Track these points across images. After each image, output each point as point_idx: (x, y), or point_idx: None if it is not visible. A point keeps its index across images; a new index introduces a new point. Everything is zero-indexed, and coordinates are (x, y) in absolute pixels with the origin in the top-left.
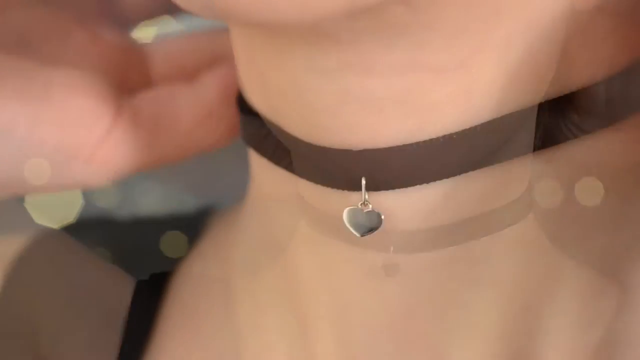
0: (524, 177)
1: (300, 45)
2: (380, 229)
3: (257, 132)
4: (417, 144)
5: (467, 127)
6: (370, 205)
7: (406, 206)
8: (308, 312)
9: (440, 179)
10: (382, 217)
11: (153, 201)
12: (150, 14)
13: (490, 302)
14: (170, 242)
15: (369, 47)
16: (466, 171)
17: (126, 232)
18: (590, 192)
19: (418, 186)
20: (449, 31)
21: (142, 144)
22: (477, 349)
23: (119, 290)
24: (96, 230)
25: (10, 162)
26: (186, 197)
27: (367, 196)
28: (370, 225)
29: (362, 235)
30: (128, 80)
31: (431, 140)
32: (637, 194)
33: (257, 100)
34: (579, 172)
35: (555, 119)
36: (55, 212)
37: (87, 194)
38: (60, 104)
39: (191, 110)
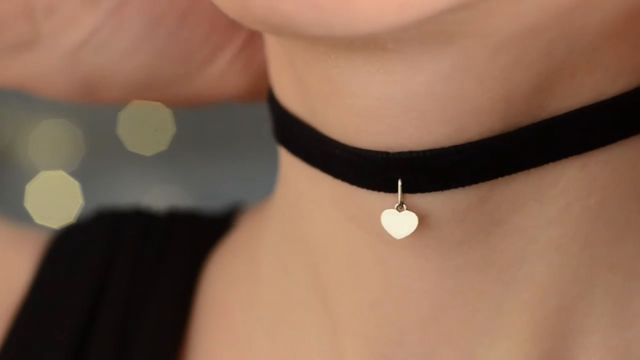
0: (558, 181)
1: (344, 53)
2: (415, 230)
3: (290, 130)
4: (455, 147)
5: (505, 131)
6: (405, 207)
7: (441, 208)
8: (339, 309)
9: (476, 182)
10: (417, 219)
11: (153, 201)
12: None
13: (522, 303)
14: None
15: (413, 56)
16: (502, 175)
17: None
18: (622, 197)
19: (454, 190)
20: (494, 41)
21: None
22: (508, 350)
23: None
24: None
25: (156, 56)
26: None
27: (402, 198)
28: (407, 227)
29: (399, 237)
30: None
31: (470, 144)
32: None
33: (292, 101)
34: (613, 176)
35: (592, 124)
36: (56, 212)
37: (88, 193)
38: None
39: None
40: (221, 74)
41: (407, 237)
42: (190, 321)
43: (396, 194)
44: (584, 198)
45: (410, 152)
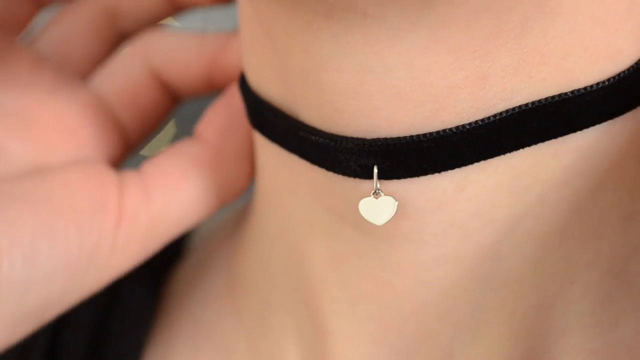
0: (532, 169)
1: (325, 19)
2: (394, 216)
3: (266, 117)
4: (431, 134)
5: (481, 117)
6: (382, 194)
7: (418, 196)
8: (321, 308)
9: (451, 168)
10: (396, 204)
11: None
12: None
13: (501, 299)
14: None
15: (393, 23)
16: (477, 160)
17: None
18: (596, 188)
19: (430, 176)
20: (470, 9)
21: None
22: (488, 348)
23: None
24: None
25: (41, 286)
26: None
27: (379, 185)
28: (385, 214)
29: (377, 224)
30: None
31: (444, 130)
32: None
33: (270, 87)
34: (586, 165)
35: (565, 110)
36: None
37: None
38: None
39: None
40: (108, 260)
41: (385, 225)
42: (157, 320)
43: (372, 181)
44: (559, 188)
45: (386, 139)
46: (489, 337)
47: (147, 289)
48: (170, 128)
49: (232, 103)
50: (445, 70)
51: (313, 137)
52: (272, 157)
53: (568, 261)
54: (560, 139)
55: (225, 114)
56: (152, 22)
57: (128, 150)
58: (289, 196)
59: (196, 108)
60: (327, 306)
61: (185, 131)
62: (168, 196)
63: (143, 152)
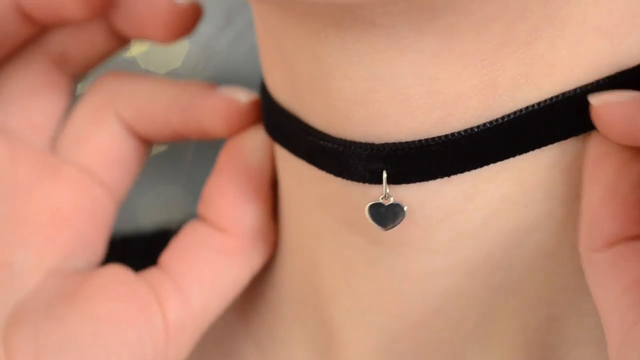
0: (542, 185)
1: (333, 28)
2: (402, 223)
3: (278, 121)
4: (439, 137)
5: (490, 120)
6: (392, 199)
7: (427, 203)
8: (332, 318)
9: (460, 172)
10: (405, 208)
11: (152, 201)
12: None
13: (512, 310)
14: None
15: (401, 32)
16: (487, 163)
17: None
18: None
19: (439, 182)
20: (479, 19)
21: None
22: (498, 357)
23: None
24: None
25: None
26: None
27: (388, 190)
28: (394, 218)
29: (386, 229)
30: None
31: (453, 134)
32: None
33: (280, 91)
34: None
35: (568, 113)
36: None
37: None
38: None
39: None
40: None
41: (394, 233)
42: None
43: (381, 186)
44: (567, 204)
45: (395, 143)
46: (499, 348)
47: None
48: None
49: (232, 177)
50: (454, 78)
51: (321, 142)
52: (281, 169)
53: (580, 275)
54: (569, 155)
55: (232, 193)
56: (104, 58)
57: (117, 205)
58: (300, 208)
59: None
60: (338, 316)
61: None
62: (207, 294)
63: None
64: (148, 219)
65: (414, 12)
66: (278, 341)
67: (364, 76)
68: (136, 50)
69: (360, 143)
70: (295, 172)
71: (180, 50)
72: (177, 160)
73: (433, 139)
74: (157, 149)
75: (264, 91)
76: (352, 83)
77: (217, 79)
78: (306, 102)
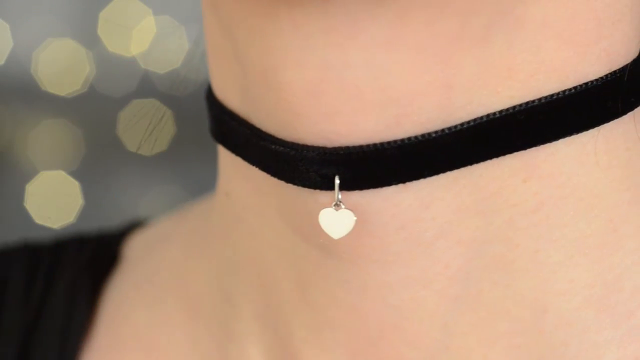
0: (502, 194)
1: (286, 6)
2: (357, 232)
3: (229, 127)
4: (395, 142)
5: (447, 126)
6: (344, 206)
7: (381, 210)
8: (290, 335)
9: (416, 178)
10: (355, 218)
11: (152, 201)
12: None
13: (470, 325)
14: None
15: (353, 15)
16: (444, 171)
17: None
18: (571, 216)
19: (394, 188)
20: (433, 3)
21: None
22: None
23: None
24: None
25: None
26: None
27: (340, 196)
28: (345, 226)
29: (337, 237)
30: None
31: (409, 138)
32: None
33: (232, 95)
34: (559, 193)
35: (531, 122)
36: (55, 212)
37: (88, 193)
38: None
39: None
40: None
41: (349, 244)
42: (98, 344)
43: (334, 192)
44: (529, 213)
45: (348, 147)
46: None
47: (81, 295)
48: (170, 128)
49: None
50: (407, 72)
51: (273, 146)
52: (238, 180)
53: (541, 289)
54: (531, 164)
55: None
56: None
57: None
58: (257, 220)
59: (196, 108)
60: (297, 332)
61: (185, 131)
62: None
63: (143, 152)
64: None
65: None
66: (230, 358)
67: (316, 64)
68: (136, 50)
69: (313, 146)
70: (251, 180)
71: (180, 50)
72: (177, 160)
73: (389, 142)
74: (157, 149)
75: (211, 100)
76: (304, 72)
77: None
78: (258, 102)
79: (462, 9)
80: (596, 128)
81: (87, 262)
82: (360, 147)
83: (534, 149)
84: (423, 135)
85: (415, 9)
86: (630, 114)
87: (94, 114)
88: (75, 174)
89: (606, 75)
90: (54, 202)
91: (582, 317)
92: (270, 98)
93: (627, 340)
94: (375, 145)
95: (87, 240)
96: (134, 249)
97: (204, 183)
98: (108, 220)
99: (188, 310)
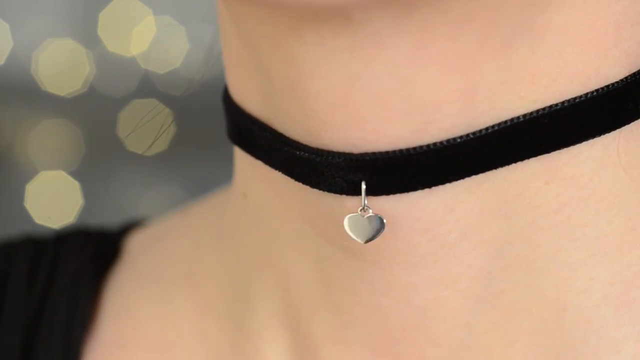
0: (524, 196)
1: (310, 24)
2: (381, 234)
3: (250, 132)
4: (421, 147)
5: (471, 131)
6: (371, 211)
7: (406, 215)
8: (312, 332)
9: (442, 183)
10: (385, 221)
11: (152, 201)
12: None
13: (492, 323)
14: None
15: (378, 29)
16: (469, 175)
17: None
18: (592, 216)
19: (420, 193)
20: (455, 18)
21: None
22: None
23: None
24: None
25: None
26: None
27: (366, 201)
28: (373, 231)
29: (365, 242)
30: None
31: (435, 144)
32: None
33: (253, 100)
34: (580, 194)
35: (556, 121)
36: (55, 212)
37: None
38: None
39: None
40: None
41: (373, 246)
42: (101, 338)
43: (360, 197)
44: (551, 214)
45: (374, 153)
46: None
47: (84, 287)
48: (170, 128)
49: None
50: (431, 82)
51: (298, 153)
52: (258, 182)
53: (561, 287)
54: (553, 166)
55: None
56: None
57: None
58: (276, 221)
59: (196, 108)
60: (318, 330)
61: (185, 131)
62: None
63: (143, 152)
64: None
65: (389, 5)
66: (244, 356)
67: (342, 76)
68: (136, 50)
69: (339, 152)
70: (270, 186)
71: (180, 50)
72: (177, 160)
73: (414, 148)
74: (157, 149)
75: (229, 104)
76: (330, 84)
77: (217, 79)
78: (282, 110)
79: (485, 21)
80: (618, 130)
81: (90, 254)
82: (387, 153)
83: (556, 151)
84: (448, 141)
85: (439, 25)
86: None
87: (94, 114)
88: (75, 174)
89: (626, 77)
90: (54, 202)
91: (601, 314)
92: (295, 106)
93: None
94: (401, 151)
95: (90, 233)
96: (137, 243)
97: (204, 183)
98: (108, 220)
99: (197, 305)
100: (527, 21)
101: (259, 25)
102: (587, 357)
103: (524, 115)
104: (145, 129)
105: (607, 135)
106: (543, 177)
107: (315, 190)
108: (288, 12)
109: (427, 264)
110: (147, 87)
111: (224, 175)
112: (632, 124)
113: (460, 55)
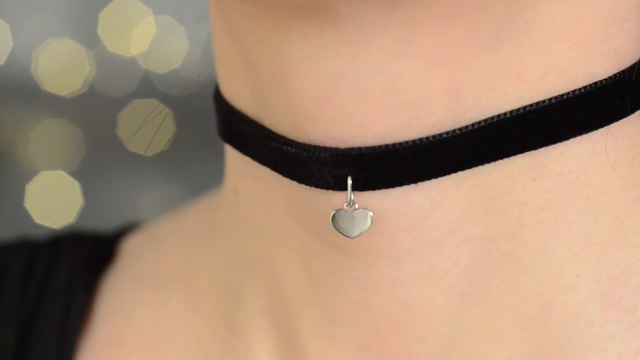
0: (511, 192)
1: (296, 19)
2: (368, 229)
3: (239, 128)
4: (407, 142)
5: (457, 127)
6: (357, 205)
7: (393, 210)
8: (298, 329)
9: (427, 178)
10: (371, 214)
11: (153, 201)
12: None
13: (477, 320)
14: None
15: (363, 24)
16: (455, 171)
17: None
18: (579, 213)
19: (406, 188)
20: (440, 14)
21: None
22: None
23: None
24: None
25: None
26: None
27: (352, 196)
28: (359, 226)
29: (351, 238)
30: None
31: (421, 139)
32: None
33: (241, 97)
34: (567, 191)
35: (543, 117)
36: (55, 212)
37: (88, 193)
38: None
39: None
40: None
41: (360, 242)
42: (96, 338)
43: (346, 193)
44: (537, 211)
45: (360, 148)
46: None
47: (79, 289)
48: (170, 128)
49: None
50: (417, 78)
51: (285, 148)
52: (247, 178)
53: (547, 284)
54: (540, 163)
55: None
56: None
57: None
58: (265, 217)
59: (196, 108)
60: (306, 326)
61: (185, 131)
62: None
63: (144, 152)
64: (148, 219)
65: (375, 1)
66: (235, 353)
67: (328, 72)
68: (136, 50)
69: (325, 147)
70: (258, 182)
71: (180, 50)
72: (177, 160)
73: (400, 143)
74: (157, 149)
75: (219, 100)
76: (316, 80)
77: (217, 79)
78: (269, 105)
79: (472, 17)
80: (605, 127)
81: (85, 257)
82: (373, 148)
83: (543, 148)
84: (434, 136)
85: (425, 20)
86: (637, 112)
87: (94, 114)
88: (75, 174)
89: (615, 75)
90: (54, 202)
91: (587, 312)
92: (282, 101)
93: (630, 334)
94: (387, 146)
95: (85, 236)
96: (132, 246)
97: (204, 183)
98: (108, 220)
99: (189, 305)
100: (514, 17)
101: (245, 20)
102: (572, 354)
103: (511, 112)
104: (145, 129)
105: (594, 132)
106: (530, 174)
107: (302, 186)
108: (273, 8)
109: (413, 260)
110: (147, 87)
111: (223, 175)
112: (620, 121)
113: (446, 51)
